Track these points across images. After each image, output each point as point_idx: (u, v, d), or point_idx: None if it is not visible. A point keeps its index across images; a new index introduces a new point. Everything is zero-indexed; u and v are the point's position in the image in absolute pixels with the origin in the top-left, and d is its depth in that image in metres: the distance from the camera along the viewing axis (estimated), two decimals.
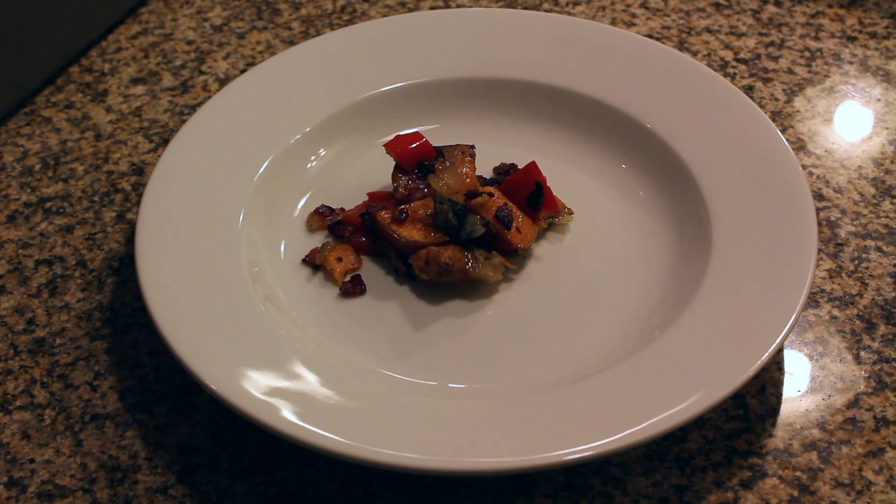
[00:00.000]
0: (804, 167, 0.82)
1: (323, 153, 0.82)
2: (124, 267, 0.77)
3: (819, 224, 0.76)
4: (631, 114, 0.80)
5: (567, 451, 0.60)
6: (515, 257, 0.74)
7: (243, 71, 0.91)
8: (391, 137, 0.79)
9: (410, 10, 0.98)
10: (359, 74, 0.83)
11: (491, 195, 0.73)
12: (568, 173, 0.80)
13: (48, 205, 0.82)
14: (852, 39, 0.93)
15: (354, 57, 0.84)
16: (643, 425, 0.61)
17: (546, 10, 0.97)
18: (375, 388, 0.66)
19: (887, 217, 0.79)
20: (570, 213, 0.77)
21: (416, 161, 0.76)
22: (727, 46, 0.93)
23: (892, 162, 0.83)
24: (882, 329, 0.72)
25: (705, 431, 0.67)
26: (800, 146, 0.84)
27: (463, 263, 0.71)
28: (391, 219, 0.73)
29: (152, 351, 0.72)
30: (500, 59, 0.84)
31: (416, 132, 0.77)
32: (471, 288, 0.73)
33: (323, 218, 0.77)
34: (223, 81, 0.91)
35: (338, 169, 0.81)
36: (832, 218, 0.79)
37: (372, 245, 0.75)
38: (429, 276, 0.72)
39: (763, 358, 0.63)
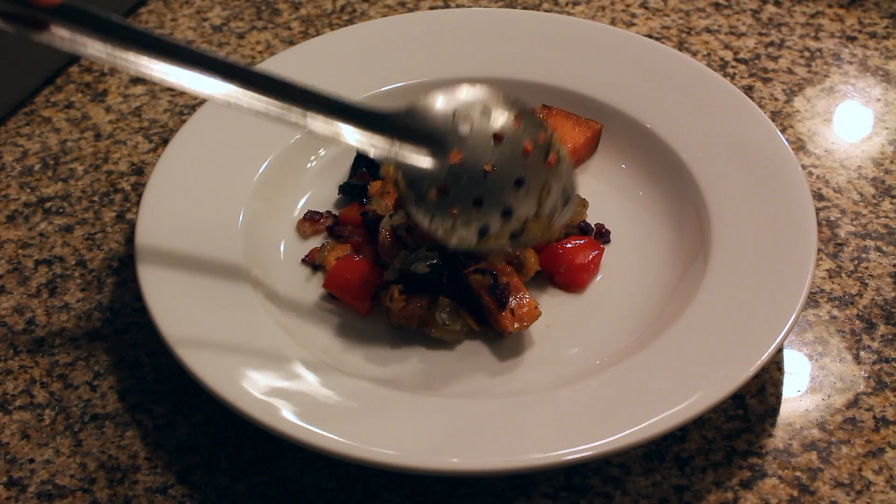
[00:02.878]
0: (804, 167, 0.82)
1: (323, 153, 0.82)
2: (124, 267, 0.77)
3: (819, 224, 0.76)
4: (631, 114, 0.80)
5: (567, 451, 0.60)
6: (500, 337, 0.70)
7: None
8: None
9: (410, 10, 0.98)
10: (359, 74, 0.83)
11: (493, 272, 0.68)
12: None
13: (48, 205, 0.82)
14: (852, 39, 0.93)
15: (354, 57, 0.84)
16: (643, 425, 0.61)
17: (546, 10, 0.97)
18: (375, 389, 0.66)
19: (887, 217, 0.79)
20: (585, 204, 0.76)
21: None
22: (727, 46, 0.93)
23: (891, 162, 0.83)
24: (882, 329, 0.72)
25: (705, 431, 0.67)
26: (800, 146, 0.84)
27: (418, 323, 0.69)
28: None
29: (152, 351, 0.72)
30: (500, 59, 0.84)
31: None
32: None
33: (314, 223, 0.77)
34: None
35: (338, 169, 0.81)
36: (832, 218, 0.78)
37: (371, 247, 0.75)
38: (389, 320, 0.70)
39: (763, 358, 0.63)
